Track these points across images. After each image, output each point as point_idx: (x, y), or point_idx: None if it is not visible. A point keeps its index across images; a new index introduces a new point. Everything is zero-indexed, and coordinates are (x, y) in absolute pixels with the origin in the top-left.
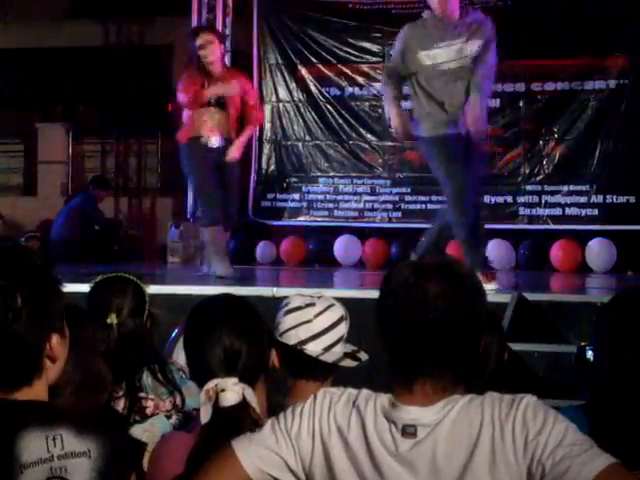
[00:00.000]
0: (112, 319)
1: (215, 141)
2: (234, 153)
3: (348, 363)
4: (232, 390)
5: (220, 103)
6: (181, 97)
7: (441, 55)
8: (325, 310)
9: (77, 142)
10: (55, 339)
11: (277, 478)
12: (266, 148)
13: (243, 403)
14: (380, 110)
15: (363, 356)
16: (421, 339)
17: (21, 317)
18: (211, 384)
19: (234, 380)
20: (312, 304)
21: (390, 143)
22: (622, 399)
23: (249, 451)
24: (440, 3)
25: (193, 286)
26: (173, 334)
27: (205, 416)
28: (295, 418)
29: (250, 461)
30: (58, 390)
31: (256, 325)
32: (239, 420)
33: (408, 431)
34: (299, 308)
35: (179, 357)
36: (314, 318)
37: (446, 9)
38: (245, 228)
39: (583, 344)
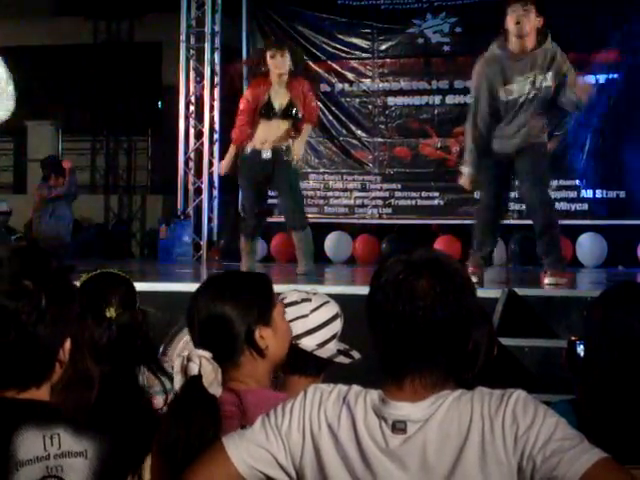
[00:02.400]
0: (111, 312)
1: (268, 153)
2: (298, 153)
3: (341, 360)
4: (193, 361)
5: (287, 114)
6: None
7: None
8: (321, 306)
9: (67, 140)
10: (68, 343)
11: (267, 474)
12: None
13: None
14: (370, 106)
15: (356, 354)
16: (410, 335)
17: (45, 319)
18: (185, 353)
19: (201, 352)
20: (308, 299)
21: (380, 139)
22: (613, 393)
23: (239, 447)
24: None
25: (185, 283)
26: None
27: (176, 384)
28: (285, 414)
29: (240, 457)
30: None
31: (243, 302)
32: (195, 390)
33: (398, 427)
34: (295, 303)
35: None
36: (310, 313)
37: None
38: (235, 226)
39: (573, 338)
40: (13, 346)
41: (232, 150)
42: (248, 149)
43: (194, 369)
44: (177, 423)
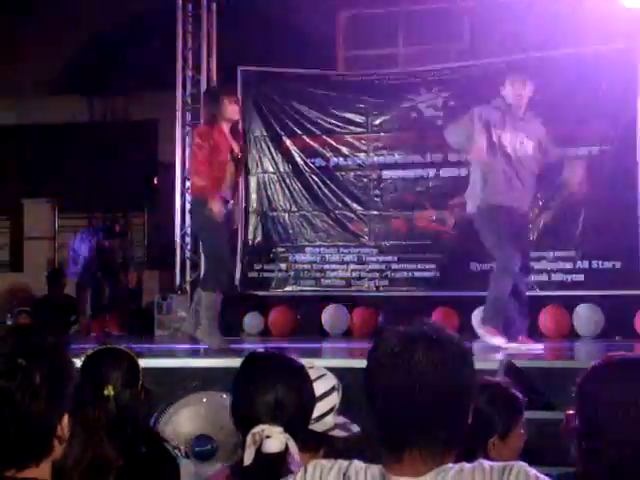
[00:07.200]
0: (109, 391)
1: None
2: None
3: (338, 433)
4: (277, 438)
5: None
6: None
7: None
8: (317, 379)
9: (63, 217)
10: (66, 419)
11: None
12: (252, 219)
13: (284, 452)
14: (365, 180)
15: (355, 428)
16: (408, 408)
17: (39, 396)
18: (258, 429)
19: (279, 429)
20: None
21: (375, 212)
22: (609, 467)
23: None
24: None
25: (182, 359)
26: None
27: (248, 459)
28: None
29: None
30: (66, 471)
31: (304, 382)
32: (278, 466)
33: None
34: None
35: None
36: None
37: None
38: (232, 299)
39: (571, 412)
40: (8, 425)
41: None
42: None
43: (274, 445)
44: None
